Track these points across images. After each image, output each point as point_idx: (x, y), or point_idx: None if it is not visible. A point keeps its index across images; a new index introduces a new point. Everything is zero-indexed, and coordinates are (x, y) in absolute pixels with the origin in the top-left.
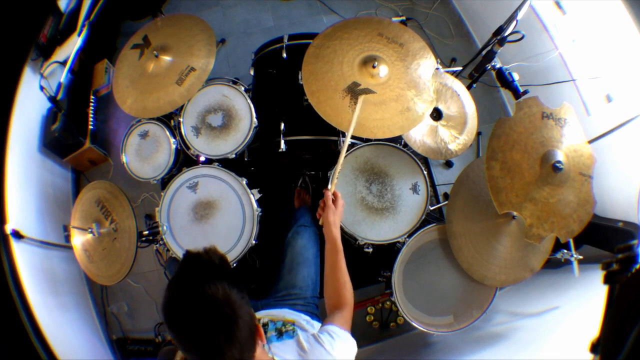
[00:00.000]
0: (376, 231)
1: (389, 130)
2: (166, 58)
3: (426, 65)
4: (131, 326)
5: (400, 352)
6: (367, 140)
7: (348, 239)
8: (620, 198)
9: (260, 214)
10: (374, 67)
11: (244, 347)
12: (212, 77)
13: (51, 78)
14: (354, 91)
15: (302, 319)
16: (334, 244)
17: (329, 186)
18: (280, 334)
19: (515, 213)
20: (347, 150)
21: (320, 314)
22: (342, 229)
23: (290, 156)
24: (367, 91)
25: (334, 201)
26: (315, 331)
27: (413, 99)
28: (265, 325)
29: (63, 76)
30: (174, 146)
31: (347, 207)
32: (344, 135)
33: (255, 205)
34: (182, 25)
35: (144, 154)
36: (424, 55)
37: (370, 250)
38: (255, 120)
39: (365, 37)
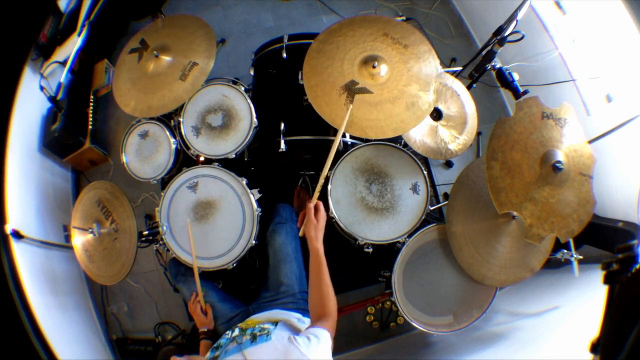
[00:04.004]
0: (376, 231)
1: (401, 127)
2: (166, 58)
3: (429, 69)
4: (131, 326)
5: (400, 352)
6: (367, 140)
7: (348, 239)
8: (620, 198)
9: (260, 214)
10: (374, 67)
11: None
12: (212, 77)
13: (51, 78)
14: (351, 89)
15: (294, 317)
16: (316, 256)
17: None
18: (254, 338)
19: (515, 213)
20: (347, 151)
21: None
22: (342, 229)
23: (290, 156)
24: (363, 90)
25: (316, 214)
26: (302, 329)
27: (417, 92)
28: (242, 331)
29: (63, 76)
30: (174, 146)
31: (347, 207)
32: (344, 135)
33: (255, 205)
34: (181, 24)
35: (144, 154)
36: (428, 59)
37: (370, 250)
38: (255, 120)
39: (370, 36)
